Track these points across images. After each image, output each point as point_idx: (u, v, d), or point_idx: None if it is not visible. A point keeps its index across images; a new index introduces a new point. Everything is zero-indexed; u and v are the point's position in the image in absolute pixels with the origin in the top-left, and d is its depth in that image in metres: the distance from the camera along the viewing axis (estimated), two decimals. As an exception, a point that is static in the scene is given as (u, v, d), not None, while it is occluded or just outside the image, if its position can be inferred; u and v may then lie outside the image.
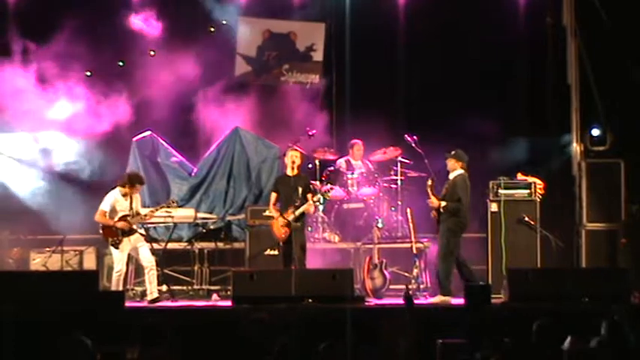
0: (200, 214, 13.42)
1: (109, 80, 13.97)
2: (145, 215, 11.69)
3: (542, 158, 13.79)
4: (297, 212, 11.56)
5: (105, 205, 11.54)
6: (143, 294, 11.93)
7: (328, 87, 14.79)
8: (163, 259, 12.27)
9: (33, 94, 13.51)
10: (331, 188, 12.75)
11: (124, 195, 11.57)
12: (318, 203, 12.31)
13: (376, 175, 13.45)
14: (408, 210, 12.45)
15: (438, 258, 11.71)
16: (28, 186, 13.45)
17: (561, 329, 7.09)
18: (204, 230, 13.41)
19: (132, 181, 11.63)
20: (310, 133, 13.32)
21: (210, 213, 13.77)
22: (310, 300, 10.80)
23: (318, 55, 14.99)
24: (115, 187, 11.67)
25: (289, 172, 11.84)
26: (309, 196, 11.76)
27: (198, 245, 13.22)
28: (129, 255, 11.64)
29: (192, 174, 14.20)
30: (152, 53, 14.48)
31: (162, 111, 14.05)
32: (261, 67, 15.10)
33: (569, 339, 6.87)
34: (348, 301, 10.84)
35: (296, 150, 12.05)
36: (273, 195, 11.92)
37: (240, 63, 15.01)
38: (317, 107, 14.49)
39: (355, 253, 12.91)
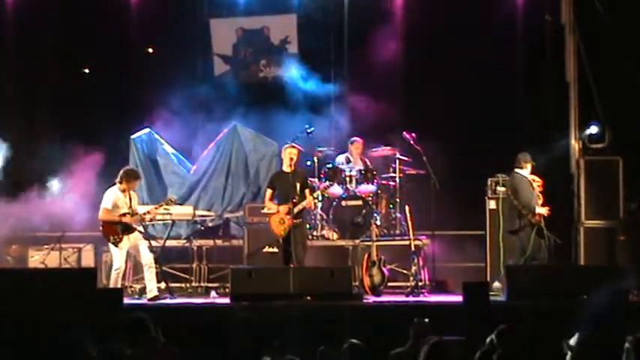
0: (198, 212, 13.43)
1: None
2: (145, 214, 11.67)
3: (541, 155, 13.80)
4: (296, 209, 11.56)
5: (107, 203, 11.52)
6: (142, 291, 11.92)
7: (327, 84, 14.81)
8: (162, 256, 12.24)
9: None
10: (330, 184, 12.74)
11: (123, 191, 11.57)
12: (317, 200, 12.33)
13: (375, 173, 13.45)
14: (407, 207, 12.45)
15: None
16: None
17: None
18: (202, 228, 13.41)
19: (129, 177, 11.61)
20: (308, 131, 13.31)
21: (209, 210, 13.78)
22: (309, 297, 10.81)
23: (292, 47, 15.01)
24: (113, 185, 11.66)
25: (286, 169, 11.83)
26: (307, 192, 11.77)
27: (196, 243, 13.23)
28: (128, 252, 11.64)
29: (191, 172, 14.21)
30: (150, 51, 14.56)
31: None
32: (239, 65, 15.14)
33: (576, 335, 6.88)
34: (346, 299, 10.85)
35: (294, 147, 12.04)
36: (269, 191, 11.91)
37: (219, 63, 15.07)
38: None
39: (353, 251, 12.92)
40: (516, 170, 11.89)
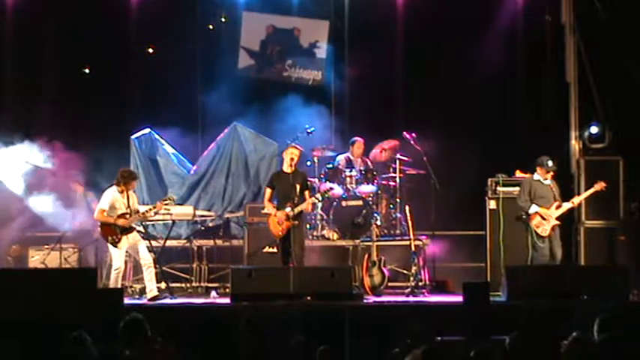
0: (199, 212, 13.42)
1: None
2: (145, 212, 11.67)
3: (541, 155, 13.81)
4: (296, 210, 11.56)
5: (103, 204, 11.52)
6: (142, 291, 11.92)
7: (328, 84, 14.81)
8: (162, 256, 12.25)
9: None
10: (331, 188, 12.73)
11: (121, 192, 11.56)
12: (317, 200, 12.33)
13: (375, 173, 13.44)
14: (407, 207, 12.45)
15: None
16: None
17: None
18: (202, 228, 13.41)
19: (125, 178, 11.59)
20: (309, 131, 13.29)
21: (209, 210, 13.77)
22: (309, 297, 10.81)
23: (321, 52, 14.99)
24: (111, 186, 11.65)
25: (286, 169, 11.82)
26: (306, 193, 11.76)
27: (196, 243, 13.23)
28: (127, 252, 11.64)
29: (191, 172, 14.20)
30: (150, 50, 14.57)
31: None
32: (265, 61, 15.12)
33: (573, 335, 6.87)
34: (346, 299, 10.84)
35: (296, 148, 12.03)
36: (268, 191, 11.91)
37: (244, 56, 15.04)
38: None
39: (354, 251, 12.91)
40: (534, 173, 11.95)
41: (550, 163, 11.84)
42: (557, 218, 11.76)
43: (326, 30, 14.92)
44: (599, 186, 12.06)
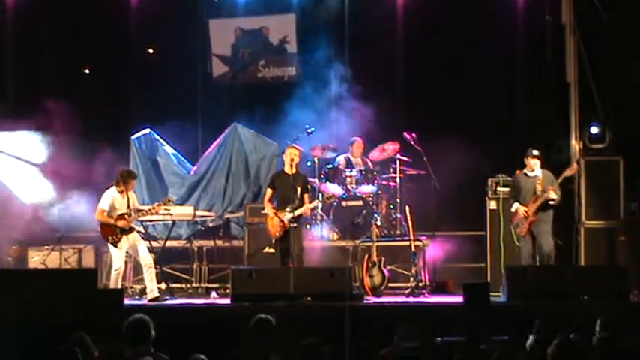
0: (199, 212, 13.41)
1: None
2: (144, 212, 11.67)
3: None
4: (296, 213, 11.56)
5: (104, 204, 11.52)
6: (142, 292, 11.92)
7: (328, 84, 14.81)
8: (162, 256, 12.26)
9: None
10: (333, 195, 12.73)
11: (121, 192, 11.56)
12: (317, 205, 12.34)
13: (375, 173, 13.44)
14: (407, 208, 12.45)
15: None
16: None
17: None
18: (202, 228, 13.41)
19: (124, 178, 11.60)
20: (309, 131, 13.29)
21: (209, 211, 13.78)
22: (309, 298, 10.80)
23: (291, 47, 15.00)
24: (110, 186, 11.66)
25: (287, 170, 11.81)
26: (306, 197, 11.74)
27: (197, 243, 13.23)
28: (127, 253, 11.64)
29: (192, 172, 14.20)
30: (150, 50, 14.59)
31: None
32: (238, 65, 15.13)
33: (572, 336, 6.87)
34: (346, 299, 10.84)
35: (295, 148, 12.02)
36: (269, 191, 11.90)
37: (217, 64, 15.05)
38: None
39: (354, 251, 12.91)
40: None
41: (535, 151, 11.74)
42: (539, 212, 11.63)
43: (293, 23, 14.94)
44: (570, 171, 11.98)
